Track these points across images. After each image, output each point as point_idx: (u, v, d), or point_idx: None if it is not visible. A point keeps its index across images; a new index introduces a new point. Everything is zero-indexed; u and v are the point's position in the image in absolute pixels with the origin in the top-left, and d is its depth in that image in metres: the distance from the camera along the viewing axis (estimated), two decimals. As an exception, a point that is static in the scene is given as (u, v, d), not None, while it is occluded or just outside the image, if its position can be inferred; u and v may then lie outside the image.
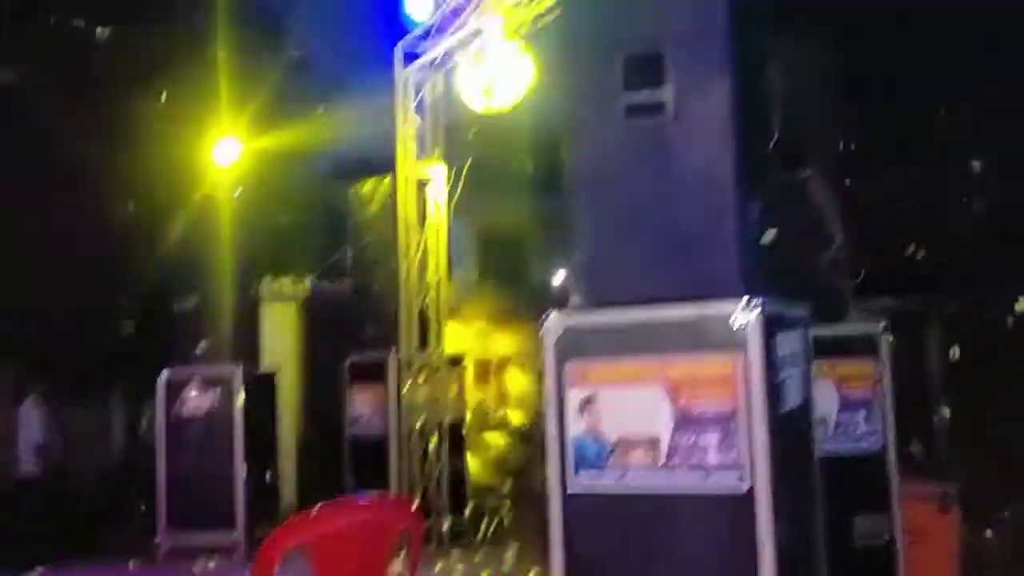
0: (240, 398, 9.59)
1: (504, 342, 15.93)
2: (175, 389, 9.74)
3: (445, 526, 9.54)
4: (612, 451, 3.23)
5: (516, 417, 14.60)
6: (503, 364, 16.11)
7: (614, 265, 3.47)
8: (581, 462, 3.27)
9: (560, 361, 3.38)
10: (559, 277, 16.00)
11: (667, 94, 3.42)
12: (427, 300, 9.77)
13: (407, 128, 9.66)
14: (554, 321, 3.42)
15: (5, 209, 10.39)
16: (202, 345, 9.93)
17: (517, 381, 15.92)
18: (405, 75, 9.59)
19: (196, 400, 9.68)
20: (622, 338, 3.34)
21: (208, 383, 9.68)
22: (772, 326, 3.23)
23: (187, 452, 9.60)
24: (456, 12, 8.65)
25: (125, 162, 10.68)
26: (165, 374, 9.79)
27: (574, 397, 3.33)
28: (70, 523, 9.99)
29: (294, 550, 3.10)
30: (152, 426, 10.48)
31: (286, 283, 12.46)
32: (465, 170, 10.05)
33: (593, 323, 3.40)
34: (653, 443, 3.18)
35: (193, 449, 9.60)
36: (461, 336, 12.44)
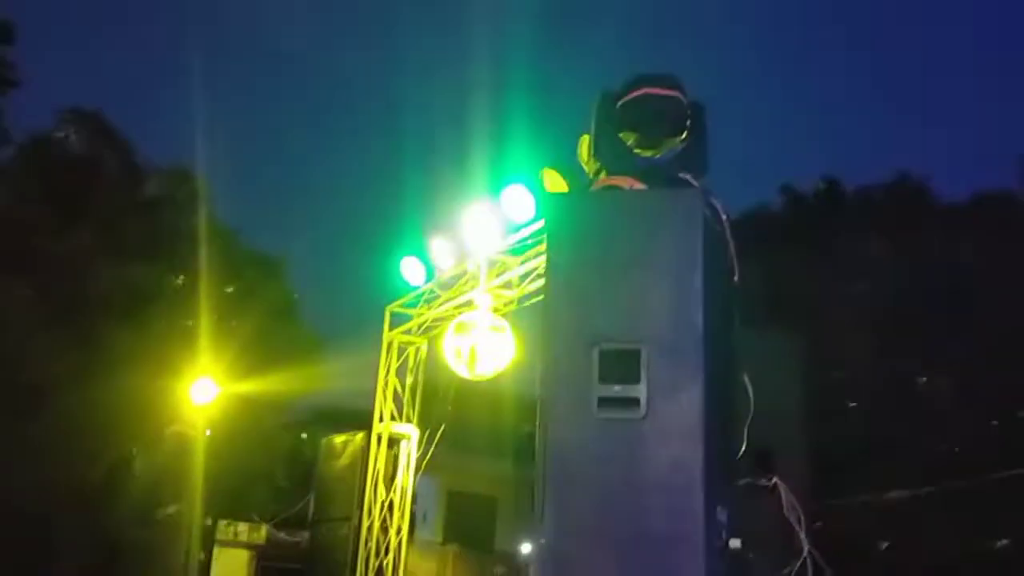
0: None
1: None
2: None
3: None
4: None
5: None
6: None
7: (576, 560, 3.43)
8: None
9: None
10: (526, 547, 15.64)
11: (640, 391, 3.52)
12: (384, 562, 9.50)
13: (387, 388, 9.77)
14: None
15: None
16: (146, 587, 9.56)
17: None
18: (391, 336, 9.81)
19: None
20: (579, 635, 3.26)
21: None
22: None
23: None
24: (448, 283, 8.97)
25: (103, 390, 10.72)
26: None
27: None
28: None
29: None
30: None
31: (242, 529, 12.14)
32: (439, 434, 10.07)
33: (552, 616, 3.33)
34: None
35: None
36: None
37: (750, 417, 4.03)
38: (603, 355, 3.61)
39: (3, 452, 10.31)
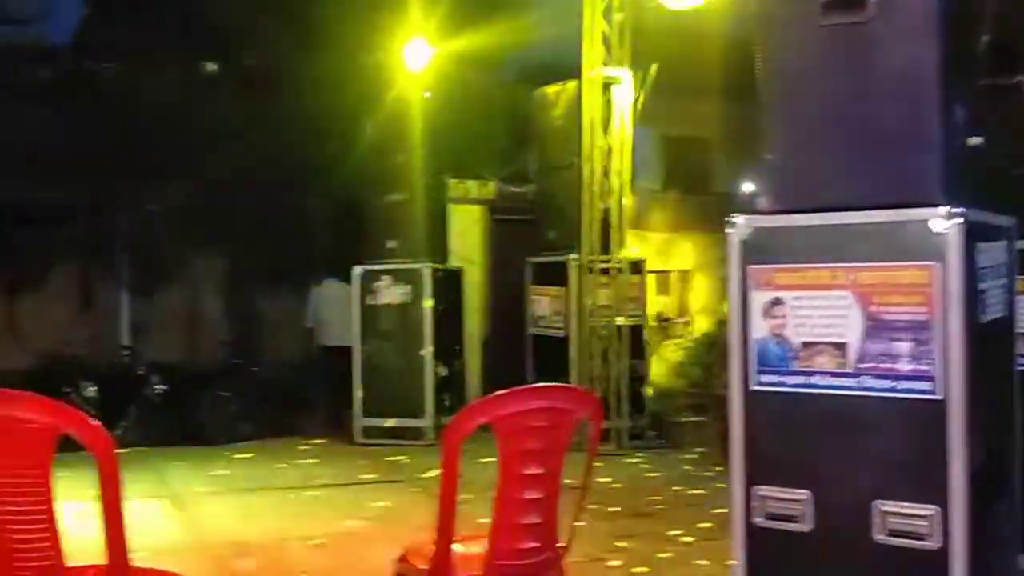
0: (429, 292, 10.01)
1: (686, 253, 15.83)
2: (368, 282, 10.24)
3: (624, 428, 9.70)
4: (797, 354, 3.22)
5: (697, 325, 14.56)
6: (685, 274, 16.04)
7: (805, 167, 3.39)
8: (764, 364, 3.27)
9: (745, 264, 3.36)
10: (747, 186, 15.66)
11: (870, -11, 3.27)
12: (609, 205, 9.79)
13: (594, 31, 9.58)
14: (741, 223, 3.40)
15: (207, 107, 11.03)
16: (392, 242, 10.35)
17: (699, 290, 15.83)
18: (594, -25, 9.48)
19: (388, 293, 10.16)
20: (811, 243, 3.29)
21: (399, 277, 10.13)
22: (973, 235, 3.11)
23: (380, 341, 10.15)
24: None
25: (321, 62, 11.10)
26: (359, 268, 10.28)
27: (758, 300, 3.32)
28: (266, 405, 10.79)
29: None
30: (318, 316, 11.09)
31: (472, 186, 12.75)
32: (652, 74, 9.91)
33: (781, 226, 3.36)
34: (840, 348, 3.15)
35: (385, 339, 10.14)
36: (642, 246, 12.44)
37: (991, 9, 3.71)
38: (826, -46, 3.35)
39: (244, 130, 11.07)
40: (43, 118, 10.66)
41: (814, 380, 3.20)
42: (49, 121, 10.68)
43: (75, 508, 3.16)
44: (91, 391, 10.45)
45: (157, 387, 10.84)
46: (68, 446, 2.88)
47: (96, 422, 2.90)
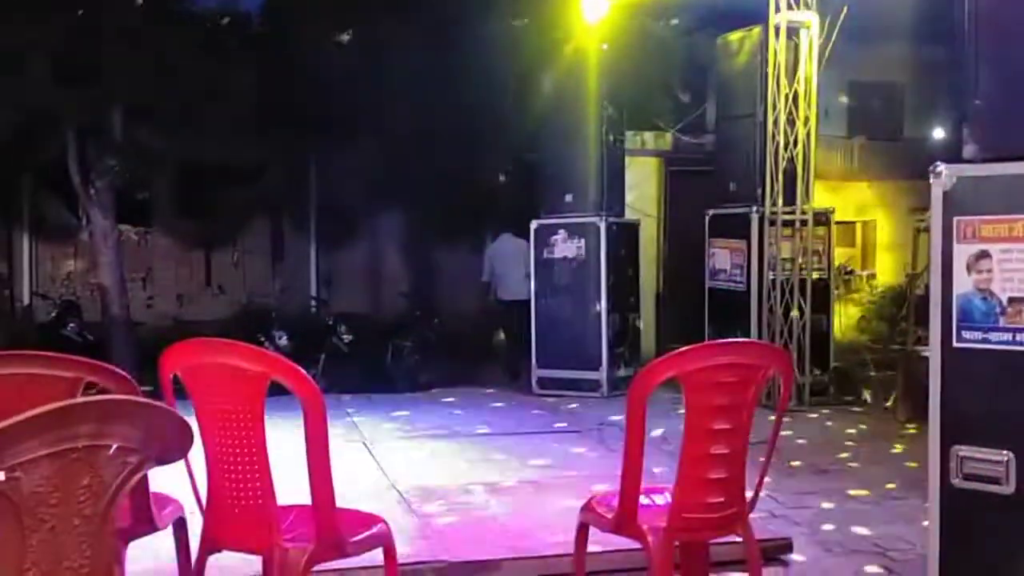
0: (604, 246, 10.01)
1: (864, 200, 15.20)
2: (545, 236, 10.32)
3: (807, 383, 9.47)
4: (1004, 311, 3.07)
5: (883, 278, 14.01)
6: (870, 224, 15.42)
7: (1018, 114, 3.20)
8: (967, 320, 3.14)
9: (949, 215, 3.22)
10: (939, 133, 14.85)
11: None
12: (794, 154, 9.50)
13: (779, -27, 9.25)
14: (945, 173, 3.25)
15: (390, 66, 11.30)
16: (569, 195, 10.37)
17: (883, 241, 15.20)
18: (779, -84, 9.13)
19: (564, 246, 10.22)
20: (1022, 193, 3.12)
21: (575, 231, 10.17)
22: None
23: (555, 294, 10.25)
24: None
25: (500, 17, 11.19)
26: (535, 222, 10.38)
27: (963, 253, 3.17)
28: (447, 356, 11.09)
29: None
30: (494, 270, 11.22)
31: (648, 137, 12.62)
32: (840, 18, 9.50)
33: (990, 175, 3.19)
34: (1052, 304, 2.98)
35: (561, 292, 10.22)
36: (825, 195, 12.01)
37: None
38: None
39: (425, 88, 11.30)
40: (237, 82, 11.16)
41: (1022, 338, 3.04)
42: (243, 84, 11.18)
43: (282, 450, 3.35)
44: (284, 340, 11.02)
45: (345, 336, 11.32)
46: (274, 391, 3.05)
47: (303, 370, 3.05)
